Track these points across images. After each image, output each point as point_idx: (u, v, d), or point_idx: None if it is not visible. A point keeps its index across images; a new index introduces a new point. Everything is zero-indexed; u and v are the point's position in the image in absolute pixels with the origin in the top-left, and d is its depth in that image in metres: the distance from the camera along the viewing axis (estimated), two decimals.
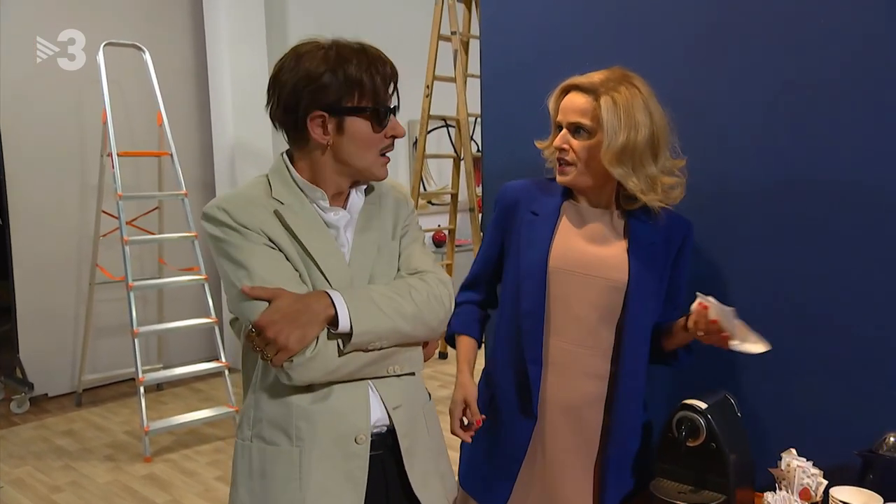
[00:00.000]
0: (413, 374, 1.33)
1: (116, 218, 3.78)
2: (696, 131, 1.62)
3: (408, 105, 5.67)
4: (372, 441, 1.26)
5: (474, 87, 4.68)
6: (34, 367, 4.32)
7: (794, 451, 1.47)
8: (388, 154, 1.27)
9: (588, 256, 1.48)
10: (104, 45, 3.92)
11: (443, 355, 5.15)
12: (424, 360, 1.35)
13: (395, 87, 1.25)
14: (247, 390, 1.31)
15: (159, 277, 4.46)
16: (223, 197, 1.24)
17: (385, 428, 1.28)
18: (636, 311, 1.46)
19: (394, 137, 1.26)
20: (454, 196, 5.04)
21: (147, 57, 4.09)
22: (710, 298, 1.37)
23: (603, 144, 1.39)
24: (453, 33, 4.49)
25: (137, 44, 4.11)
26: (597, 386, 1.48)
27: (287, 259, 1.21)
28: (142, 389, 3.57)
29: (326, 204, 1.27)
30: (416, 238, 1.39)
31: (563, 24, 1.85)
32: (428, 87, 4.56)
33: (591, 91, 1.41)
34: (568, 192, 1.53)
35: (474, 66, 4.69)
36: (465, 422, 1.51)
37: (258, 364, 1.26)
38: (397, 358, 1.27)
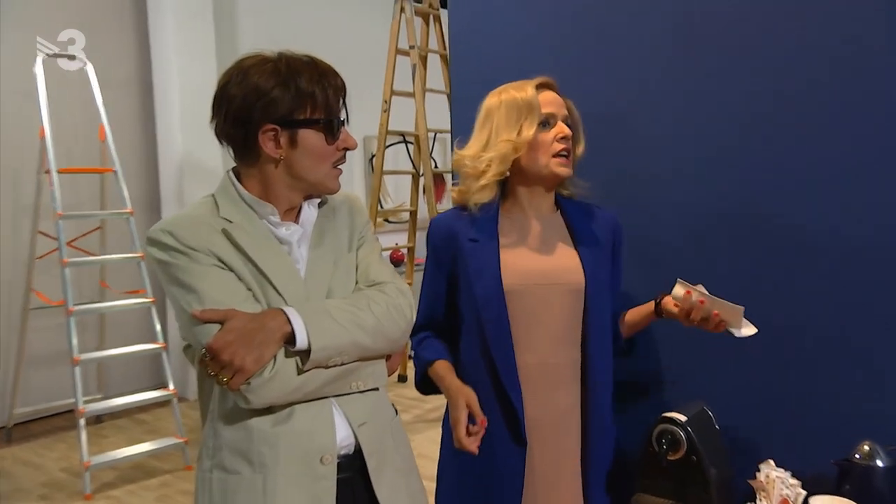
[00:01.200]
0: (377, 389, 1.33)
1: (55, 239, 3.69)
2: (660, 135, 1.73)
3: (365, 120, 5.80)
4: (339, 463, 1.25)
5: (433, 101, 4.80)
6: None
7: (772, 461, 1.52)
8: (340, 167, 1.30)
9: (542, 265, 1.55)
10: (43, 58, 3.84)
11: (402, 378, 5.14)
12: (388, 374, 1.37)
13: (345, 100, 1.29)
14: (205, 419, 1.29)
15: (100, 301, 4.36)
16: (167, 220, 1.24)
17: (352, 448, 1.28)
18: (597, 310, 1.55)
19: (346, 149, 1.29)
20: (413, 213, 5.07)
21: (89, 68, 4.02)
22: (699, 287, 1.48)
23: (580, 144, 1.59)
24: (412, 47, 4.55)
25: (78, 55, 4.03)
26: (570, 393, 1.55)
27: (239, 279, 1.22)
28: (82, 421, 3.47)
29: (277, 219, 1.28)
30: (372, 249, 1.41)
31: (531, 35, 1.92)
32: (386, 101, 4.60)
33: (557, 91, 1.58)
34: (497, 209, 1.58)
35: (433, 80, 4.79)
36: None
37: (215, 390, 1.26)
38: (360, 373, 1.28)
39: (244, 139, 1.24)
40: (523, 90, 1.54)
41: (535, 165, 1.54)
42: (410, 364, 4.93)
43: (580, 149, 1.59)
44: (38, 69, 3.80)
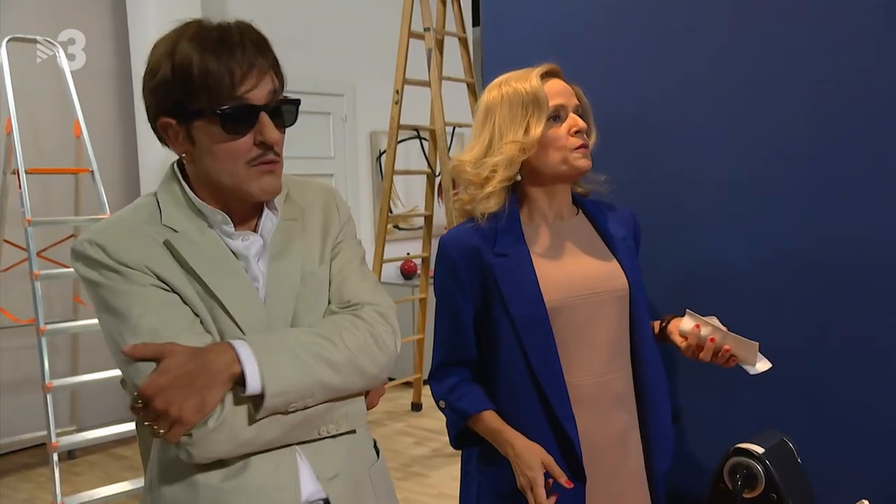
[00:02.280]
0: (354, 431, 1.25)
1: (24, 249, 3.70)
2: (714, 134, 1.72)
3: (372, 113, 5.79)
4: None
5: (451, 91, 4.81)
6: None
7: (866, 502, 1.49)
8: (268, 162, 1.16)
9: (583, 274, 1.55)
10: (7, 41, 3.87)
11: (416, 407, 5.12)
12: (367, 410, 1.28)
13: (270, 74, 1.15)
14: (145, 469, 1.23)
15: (74, 319, 4.37)
16: (98, 227, 1.15)
17: (322, 503, 1.21)
18: (642, 316, 1.58)
19: (264, 144, 1.14)
20: (428, 218, 5.07)
21: (61, 54, 4.05)
22: (712, 318, 1.51)
23: (592, 133, 1.59)
24: (426, 30, 4.56)
25: (49, 39, 4.07)
26: (627, 411, 1.56)
27: (184, 302, 1.13)
28: (55, 457, 3.47)
29: (231, 228, 1.19)
30: (351, 257, 1.31)
31: (572, 17, 1.92)
32: (397, 92, 4.61)
33: (564, 78, 1.58)
34: (517, 216, 1.57)
35: (451, 67, 4.81)
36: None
37: (154, 444, 1.20)
38: (332, 416, 1.19)
39: (156, 133, 1.18)
40: (527, 81, 1.52)
41: (550, 164, 1.53)
42: (426, 391, 4.94)
43: (594, 139, 1.60)
44: (2, 55, 3.82)
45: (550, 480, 1.46)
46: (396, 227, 6.00)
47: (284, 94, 1.20)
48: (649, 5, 1.81)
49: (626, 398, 1.57)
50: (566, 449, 1.50)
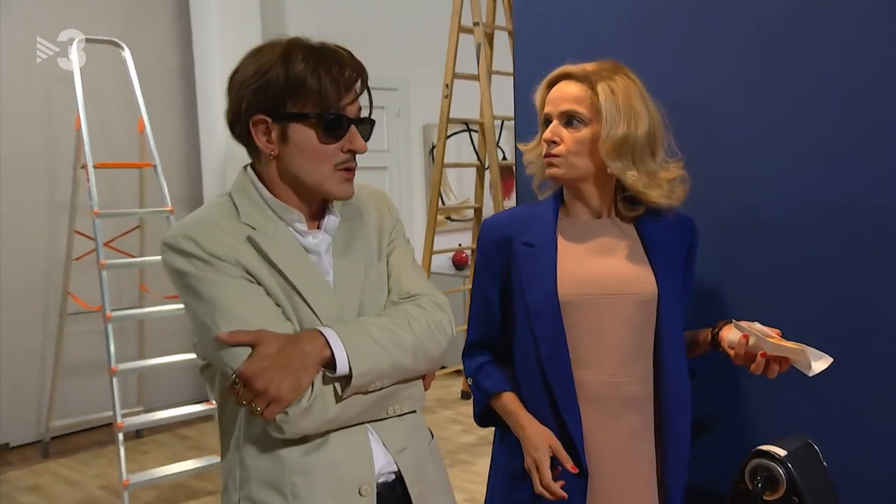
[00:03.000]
0: (415, 412, 1.34)
1: (92, 239, 3.82)
2: (746, 128, 1.65)
3: (424, 107, 5.78)
4: (381, 492, 1.26)
5: (499, 85, 4.76)
6: None
7: None
8: (350, 169, 1.26)
9: (606, 274, 1.51)
10: (78, 42, 3.99)
11: (466, 395, 5.12)
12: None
13: (360, 94, 1.26)
14: (227, 446, 1.30)
15: (140, 307, 4.50)
16: (186, 223, 1.23)
17: (392, 476, 1.29)
18: (671, 322, 1.52)
19: (352, 152, 1.24)
20: (478, 210, 5.05)
21: (127, 55, 4.16)
22: (755, 324, 1.44)
23: (602, 135, 1.46)
24: (476, 24, 4.53)
25: (116, 39, 4.18)
26: (640, 415, 1.52)
27: (268, 293, 1.21)
28: (121, 436, 3.58)
29: (304, 227, 1.28)
30: (405, 254, 1.40)
31: (606, 11, 1.87)
32: (447, 86, 4.60)
33: (584, 79, 1.48)
34: (560, 209, 1.57)
35: (500, 62, 4.76)
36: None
37: (240, 416, 1.26)
38: (399, 396, 1.28)
39: (241, 131, 1.24)
40: (538, 88, 1.56)
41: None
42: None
43: (601, 138, 1.45)
44: (74, 56, 3.94)
45: (559, 469, 1.48)
46: (449, 218, 5.99)
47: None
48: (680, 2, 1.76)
49: (640, 402, 1.52)
50: (566, 441, 1.50)
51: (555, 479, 1.47)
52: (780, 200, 1.65)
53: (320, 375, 1.18)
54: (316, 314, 1.23)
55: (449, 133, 4.79)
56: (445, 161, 4.82)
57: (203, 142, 4.90)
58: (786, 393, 1.67)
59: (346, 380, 1.18)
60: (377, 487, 1.26)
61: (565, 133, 1.48)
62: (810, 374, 1.40)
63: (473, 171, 5.26)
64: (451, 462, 4.07)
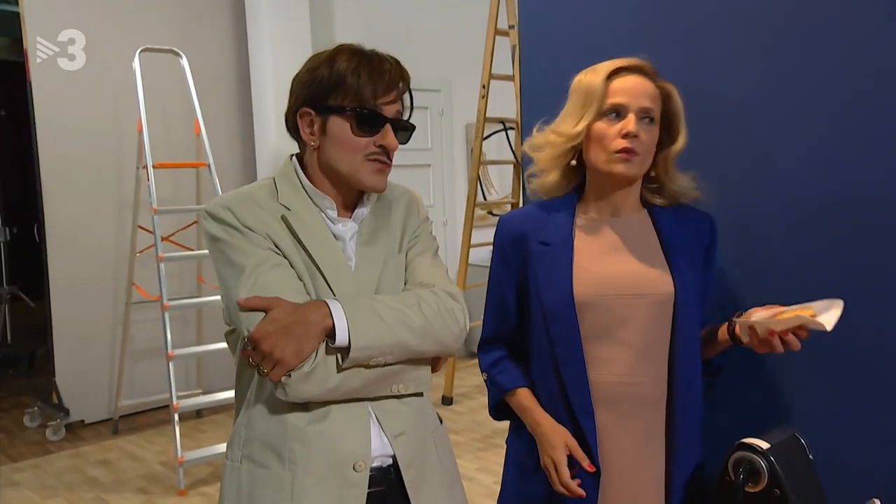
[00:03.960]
0: (420, 395, 1.35)
1: (152, 233, 3.96)
2: (750, 134, 1.60)
3: (469, 107, 5.79)
4: (374, 474, 1.28)
5: None
6: (70, 392, 4.57)
7: (877, 501, 1.41)
8: (382, 161, 1.30)
9: (623, 274, 1.46)
10: (140, 51, 4.12)
11: (448, 400, 5.00)
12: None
13: (401, 99, 1.31)
14: (240, 407, 1.34)
15: (198, 296, 4.64)
16: (228, 196, 1.30)
17: (389, 460, 1.30)
18: (687, 324, 1.46)
19: (384, 148, 1.29)
20: (514, 205, 5.03)
21: (185, 62, 4.28)
22: (753, 313, 1.40)
23: (679, 141, 1.46)
24: (511, 27, 4.51)
25: (175, 49, 4.30)
26: (654, 416, 1.47)
27: (292, 267, 1.26)
28: (176, 417, 3.71)
29: (335, 213, 1.33)
30: (425, 249, 1.42)
31: (610, 16, 1.84)
32: (484, 86, 4.59)
33: (653, 77, 1.45)
34: (572, 206, 1.52)
35: None
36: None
37: (253, 381, 1.30)
38: (404, 376, 1.29)
39: (291, 122, 1.32)
40: (595, 73, 1.45)
41: (592, 161, 1.47)
42: (457, 383, 4.83)
43: (677, 145, 1.47)
44: (136, 63, 4.07)
45: (575, 468, 1.43)
46: (491, 213, 5.98)
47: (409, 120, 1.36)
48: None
49: (654, 403, 1.47)
50: (580, 440, 1.46)
51: (571, 478, 1.43)
52: (793, 197, 1.61)
53: (324, 344, 1.20)
54: (332, 290, 1.27)
55: (487, 132, 4.78)
56: (485, 158, 4.82)
57: (257, 142, 5.01)
58: (779, 384, 1.63)
59: (347, 351, 1.20)
60: (374, 468, 1.27)
61: (643, 130, 1.41)
62: (829, 330, 1.29)
63: (511, 167, 5.23)
64: (486, 446, 4.08)
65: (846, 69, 1.48)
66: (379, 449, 1.29)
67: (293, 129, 1.33)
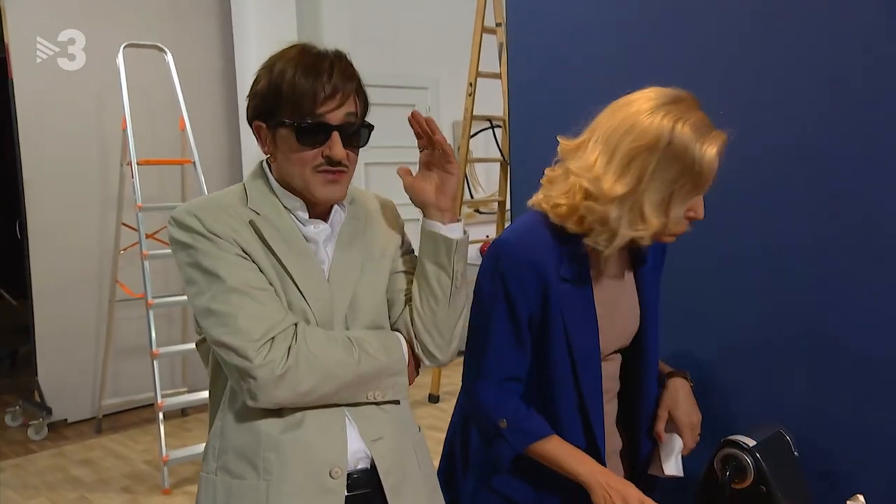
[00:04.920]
0: (398, 403, 1.33)
1: (136, 230, 3.92)
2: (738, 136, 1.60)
3: (456, 105, 5.79)
4: (354, 480, 1.26)
5: None
6: (53, 391, 4.52)
7: (861, 498, 1.42)
8: (331, 172, 1.24)
9: (620, 323, 1.45)
10: (124, 47, 4.08)
11: (434, 398, 4.96)
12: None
13: (354, 97, 1.25)
14: (213, 418, 1.32)
15: (183, 294, 4.60)
16: (194, 202, 1.27)
17: (368, 464, 1.28)
18: (647, 361, 1.48)
19: (330, 158, 1.22)
20: (501, 203, 5.03)
21: (169, 58, 4.24)
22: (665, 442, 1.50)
23: None
24: (498, 25, 4.50)
25: (159, 44, 4.26)
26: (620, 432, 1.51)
27: (261, 272, 1.23)
28: (161, 415, 3.68)
29: (306, 215, 1.29)
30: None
31: (598, 13, 1.84)
32: (471, 84, 4.58)
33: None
34: (580, 240, 1.35)
35: None
36: None
37: (227, 390, 1.28)
38: (380, 383, 1.27)
39: (255, 133, 1.29)
40: (707, 147, 1.20)
41: (645, 227, 1.29)
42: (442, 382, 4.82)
43: None
44: (120, 59, 4.04)
45: None
46: (478, 210, 5.98)
47: (365, 119, 1.29)
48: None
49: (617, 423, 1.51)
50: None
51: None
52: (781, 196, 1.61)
53: (296, 346, 1.19)
54: (305, 299, 1.25)
55: (474, 129, 4.78)
56: (472, 156, 4.81)
57: (243, 139, 4.98)
58: (765, 382, 1.64)
59: None
60: (354, 474, 1.25)
61: None
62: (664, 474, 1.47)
63: (498, 165, 5.23)
64: None
65: (835, 66, 1.49)
66: (357, 452, 1.27)
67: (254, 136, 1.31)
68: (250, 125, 1.28)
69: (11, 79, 4.26)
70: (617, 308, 1.44)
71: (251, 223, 1.25)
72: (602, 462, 1.40)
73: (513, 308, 1.35)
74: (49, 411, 4.45)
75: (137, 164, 3.91)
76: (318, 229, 1.30)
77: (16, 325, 6.24)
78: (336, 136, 1.23)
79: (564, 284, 1.35)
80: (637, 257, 1.47)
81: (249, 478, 1.22)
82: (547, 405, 1.41)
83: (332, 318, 1.28)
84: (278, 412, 1.23)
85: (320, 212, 1.32)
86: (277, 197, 1.29)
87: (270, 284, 1.23)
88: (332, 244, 1.32)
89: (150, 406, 4.74)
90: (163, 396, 3.74)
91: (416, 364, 1.36)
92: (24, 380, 5.05)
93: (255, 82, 1.25)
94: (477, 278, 1.41)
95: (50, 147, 4.41)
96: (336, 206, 1.33)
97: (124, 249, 4.35)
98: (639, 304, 1.47)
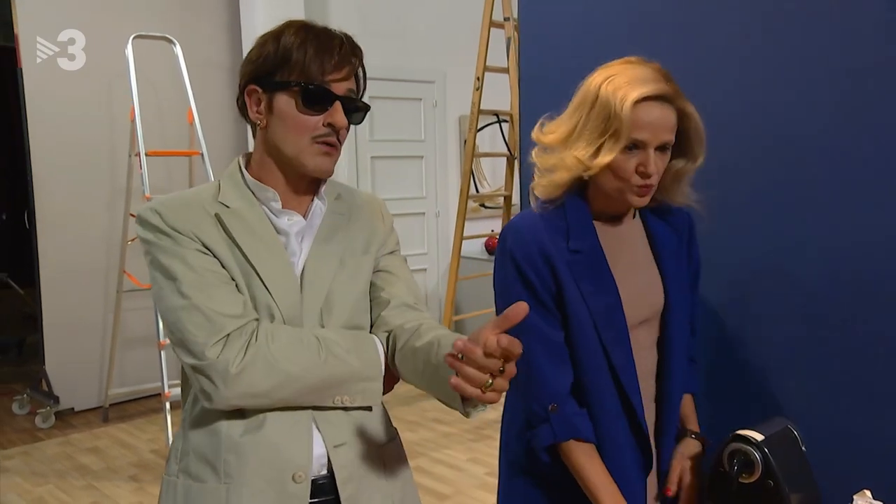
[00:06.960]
0: (369, 409, 1.27)
1: None
2: (750, 130, 1.60)
3: (463, 99, 5.80)
4: (318, 486, 1.21)
5: None
6: (60, 380, 4.54)
7: (868, 492, 1.41)
8: (329, 144, 1.22)
9: (641, 291, 1.44)
10: (133, 38, 4.08)
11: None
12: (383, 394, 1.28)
13: (355, 77, 1.24)
14: (182, 420, 1.29)
15: None
16: (160, 199, 1.25)
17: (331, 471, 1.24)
18: (674, 337, 1.47)
19: (332, 126, 1.21)
20: (507, 198, 5.03)
21: (178, 50, 4.24)
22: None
23: (692, 167, 1.41)
24: (506, 19, 4.50)
25: (168, 36, 4.27)
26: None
27: (223, 266, 1.20)
28: (168, 405, 3.70)
29: (278, 206, 1.25)
30: (404, 262, 1.39)
31: (611, 8, 1.84)
32: (478, 78, 4.57)
33: (673, 101, 1.34)
34: (587, 211, 1.42)
35: None
36: None
37: (190, 393, 1.25)
38: (349, 388, 1.21)
39: (241, 101, 1.25)
40: (623, 96, 1.29)
41: (607, 186, 1.37)
42: None
43: (694, 164, 1.41)
44: (129, 50, 4.03)
45: None
46: (483, 205, 5.98)
47: (361, 99, 1.28)
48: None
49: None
50: (645, 451, 1.45)
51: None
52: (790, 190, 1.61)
53: (255, 344, 1.15)
54: (270, 293, 1.21)
55: (481, 124, 4.77)
56: (478, 151, 4.81)
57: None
58: (773, 377, 1.64)
59: None
60: (319, 479, 1.21)
61: (659, 162, 1.34)
62: None
63: (504, 160, 5.23)
64: (477, 437, 4.10)
65: (846, 64, 1.49)
66: (321, 456, 1.22)
67: (242, 108, 1.26)
68: (241, 90, 1.24)
69: (21, 68, 4.27)
70: (637, 277, 1.44)
71: (216, 216, 1.22)
72: (644, 434, 1.42)
73: (540, 299, 1.38)
74: (56, 400, 4.47)
75: (146, 154, 3.92)
76: (291, 221, 1.26)
77: (23, 314, 6.29)
78: (339, 105, 1.21)
79: (575, 255, 1.38)
80: (651, 238, 1.49)
81: (209, 481, 1.19)
82: (580, 379, 1.40)
83: (300, 314, 1.23)
84: (241, 413, 1.18)
85: (294, 204, 1.28)
86: (250, 189, 1.25)
87: (233, 279, 1.20)
88: (309, 237, 1.28)
89: (157, 396, 4.74)
90: (170, 387, 3.76)
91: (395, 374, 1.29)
92: (31, 368, 5.08)
93: (259, 47, 1.22)
94: (493, 272, 1.45)
95: (59, 136, 4.42)
96: (316, 200, 1.29)
97: (132, 240, 4.35)
98: (661, 280, 1.46)
